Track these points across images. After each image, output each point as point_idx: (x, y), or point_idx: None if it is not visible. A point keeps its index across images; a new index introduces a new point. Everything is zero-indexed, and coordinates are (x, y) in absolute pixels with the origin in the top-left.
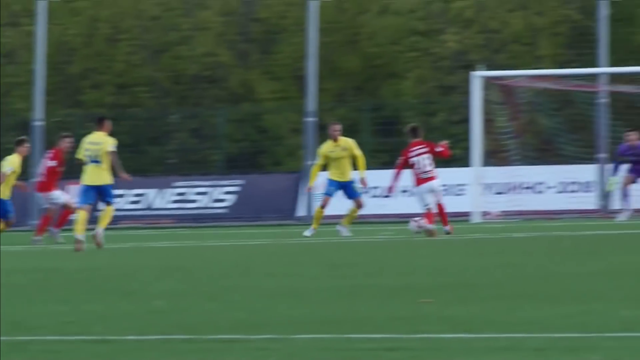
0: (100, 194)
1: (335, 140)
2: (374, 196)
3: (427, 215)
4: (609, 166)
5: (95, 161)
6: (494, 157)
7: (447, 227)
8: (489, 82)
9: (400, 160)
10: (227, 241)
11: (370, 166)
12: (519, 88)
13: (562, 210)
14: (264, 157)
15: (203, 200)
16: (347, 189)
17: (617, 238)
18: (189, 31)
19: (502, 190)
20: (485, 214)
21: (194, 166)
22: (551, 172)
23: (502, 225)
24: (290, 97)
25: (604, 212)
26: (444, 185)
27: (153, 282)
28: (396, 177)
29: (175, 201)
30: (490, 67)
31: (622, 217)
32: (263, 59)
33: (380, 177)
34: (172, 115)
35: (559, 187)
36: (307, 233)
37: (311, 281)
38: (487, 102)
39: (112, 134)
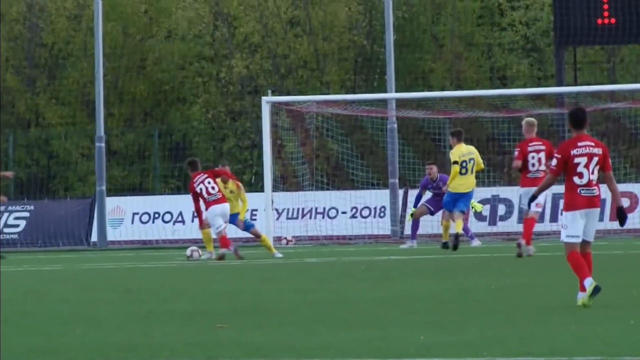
0: None
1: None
2: (165, 222)
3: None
4: (401, 191)
5: None
6: (285, 182)
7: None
8: (278, 107)
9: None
10: (19, 267)
11: (161, 191)
12: (308, 113)
13: (355, 235)
14: (55, 183)
15: None
16: None
17: (409, 263)
18: None
19: (295, 215)
20: (277, 239)
21: None
22: (343, 198)
23: (294, 251)
24: (79, 122)
25: (396, 237)
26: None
27: None
28: None
29: None
30: (279, 92)
31: (406, 246)
32: (50, 84)
33: (171, 203)
34: None
35: (351, 212)
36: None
37: (106, 306)
38: (277, 128)
39: None
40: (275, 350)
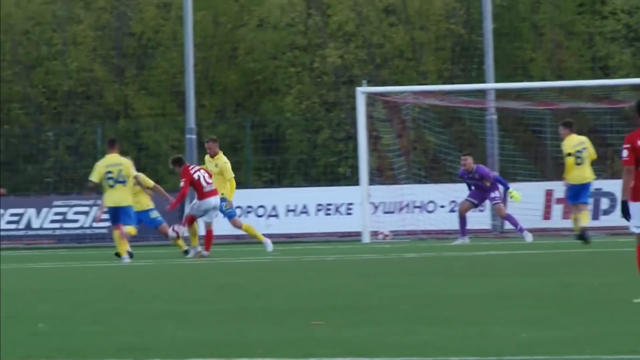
0: None
1: (212, 156)
2: (259, 216)
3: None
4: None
5: None
6: (382, 175)
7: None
8: (373, 98)
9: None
10: (109, 262)
11: (253, 185)
12: (404, 104)
13: (454, 230)
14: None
15: (83, 220)
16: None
17: (510, 259)
18: (61, 46)
19: (391, 209)
20: (374, 233)
21: (73, 185)
22: (441, 191)
23: (392, 246)
24: (169, 113)
25: (497, 231)
26: (330, 205)
27: (35, 305)
28: None
29: (55, 221)
30: (374, 83)
31: (458, 242)
32: (139, 74)
33: (264, 196)
34: (48, 133)
35: (450, 206)
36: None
37: (198, 303)
38: (373, 119)
39: None
40: (372, 348)
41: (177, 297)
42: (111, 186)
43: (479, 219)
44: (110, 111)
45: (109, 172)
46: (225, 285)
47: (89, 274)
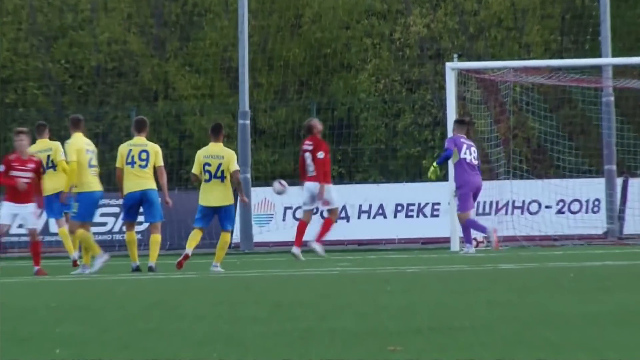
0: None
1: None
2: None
3: None
4: (620, 180)
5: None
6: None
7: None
8: (466, 76)
9: None
10: (143, 274)
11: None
12: (503, 83)
13: (561, 235)
14: (188, 169)
15: (112, 223)
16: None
17: (630, 270)
18: (89, 12)
19: (486, 210)
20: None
21: (101, 180)
22: (547, 188)
23: (487, 255)
24: (218, 94)
25: (614, 237)
26: (411, 205)
27: (53, 326)
28: None
29: None
30: (467, 57)
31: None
32: (183, 48)
33: (340, 194)
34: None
35: (557, 206)
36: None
37: (251, 324)
38: (465, 101)
39: None
40: None
41: (225, 316)
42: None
43: (593, 221)
44: (147, 91)
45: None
46: (285, 304)
47: (119, 287)
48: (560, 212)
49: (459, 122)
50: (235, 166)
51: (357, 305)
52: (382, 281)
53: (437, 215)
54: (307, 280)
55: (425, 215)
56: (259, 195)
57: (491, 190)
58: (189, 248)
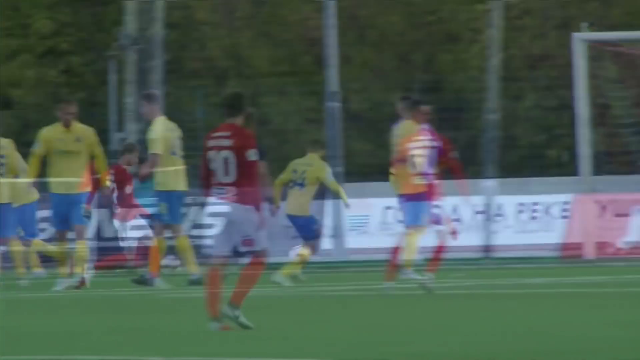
0: None
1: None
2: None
3: None
4: None
5: None
6: (613, 160)
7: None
8: (599, 49)
9: None
10: (176, 291)
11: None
12: None
13: None
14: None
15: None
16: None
17: None
18: None
19: (625, 211)
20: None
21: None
22: None
23: (628, 265)
24: (300, 71)
25: None
26: (536, 204)
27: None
28: None
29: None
30: (600, 27)
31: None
32: (257, 16)
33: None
34: (125, 101)
35: None
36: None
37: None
38: (598, 79)
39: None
40: None
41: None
42: None
43: None
44: (215, 68)
45: None
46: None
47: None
48: None
49: None
50: None
51: (474, 324)
52: (501, 296)
53: (566, 217)
54: (405, 300)
55: (552, 217)
56: (354, 192)
57: (631, 186)
58: None
